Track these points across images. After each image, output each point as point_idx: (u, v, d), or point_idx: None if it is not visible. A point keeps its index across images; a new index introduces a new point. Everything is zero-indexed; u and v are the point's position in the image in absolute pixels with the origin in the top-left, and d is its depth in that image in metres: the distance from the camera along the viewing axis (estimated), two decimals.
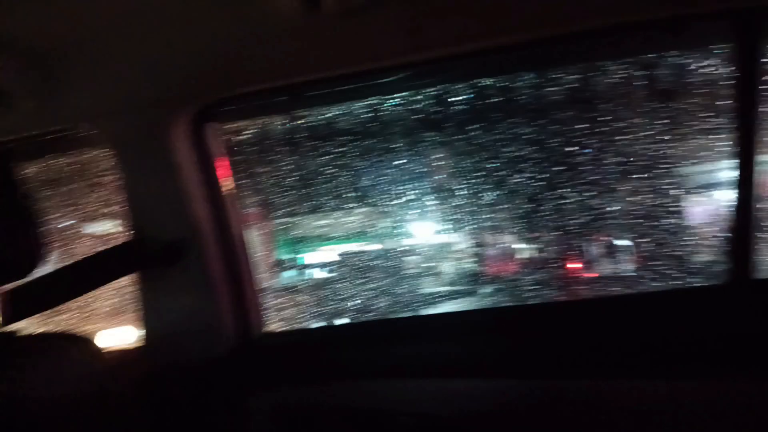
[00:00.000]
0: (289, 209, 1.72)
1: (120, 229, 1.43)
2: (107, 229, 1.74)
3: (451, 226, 1.69)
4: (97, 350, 0.96)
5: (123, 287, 1.60)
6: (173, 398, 1.26)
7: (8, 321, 0.89)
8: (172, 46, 1.11)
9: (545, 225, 1.63)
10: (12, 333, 0.86)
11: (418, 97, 1.56)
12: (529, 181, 1.58)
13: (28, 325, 1.05)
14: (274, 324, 1.49)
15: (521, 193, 1.59)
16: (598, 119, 1.53)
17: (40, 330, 1.01)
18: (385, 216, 1.71)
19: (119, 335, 1.64)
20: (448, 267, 1.76)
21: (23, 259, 0.84)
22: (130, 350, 1.39)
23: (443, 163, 1.64)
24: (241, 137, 1.59)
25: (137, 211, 1.33)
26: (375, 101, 1.58)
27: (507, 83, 1.55)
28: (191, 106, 1.28)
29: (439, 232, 1.74)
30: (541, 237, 1.68)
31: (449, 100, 1.57)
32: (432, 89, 1.55)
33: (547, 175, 1.56)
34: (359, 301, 1.73)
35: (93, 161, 1.67)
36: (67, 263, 1.17)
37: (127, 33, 1.07)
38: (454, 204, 1.64)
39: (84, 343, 0.94)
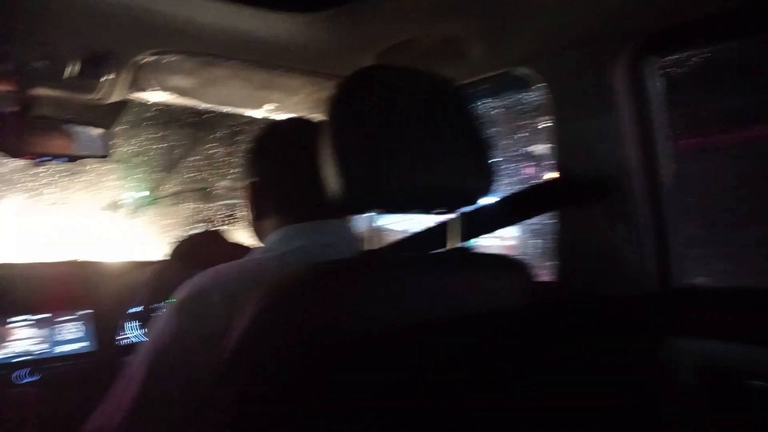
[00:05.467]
0: (735, 156, 1.50)
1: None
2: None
3: None
4: (529, 276, 1.03)
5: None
6: (589, 331, 1.29)
7: (462, 239, 1.04)
8: None
9: None
10: (466, 248, 1.02)
11: None
12: None
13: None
14: (696, 276, 1.37)
15: None
16: None
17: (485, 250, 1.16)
18: None
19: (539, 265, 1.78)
20: None
21: (477, 187, 0.96)
22: (549, 281, 1.49)
23: None
24: (682, 70, 1.46)
25: (566, 150, 1.39)
26: None
27: None
28: (630, 41, 1.24)
29: None
30: None
31: None
32: None
33: None
34: None
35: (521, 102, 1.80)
36: (504, 195, 1.33)
37: None
38: None
39: (520, 266, 1.03)
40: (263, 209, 1.07)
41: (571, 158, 1.38)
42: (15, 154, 1.46)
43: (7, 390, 1.48)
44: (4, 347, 1.58)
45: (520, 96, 1.60)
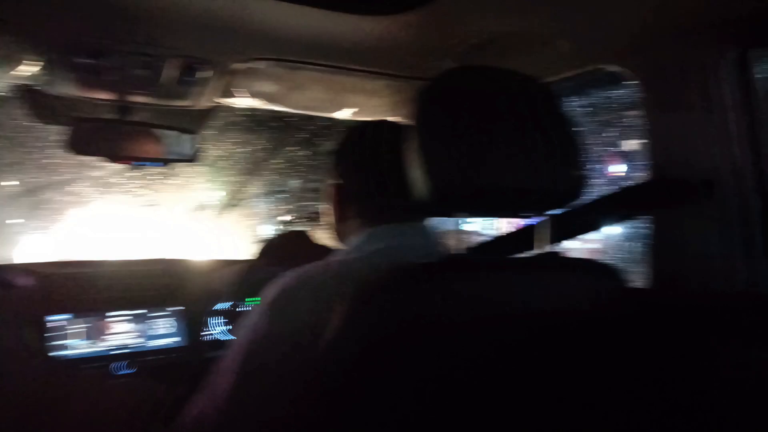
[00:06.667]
0: None
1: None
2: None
3: None
4: (622, 281, 0.98)
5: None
6: (685, 337, 1.22)
7: (551, 242, 1.01)
8: None
9: None
10: (555, 252, 0.98)
11: None
12: None
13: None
14: None
15: None
16: None
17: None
18: None
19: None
20: None
21: (567, 189, 0.92)
22: (641, 287, 1.41)
23: None
24: None
25: (662, 149, 1.31)
26: None
27: None
28: (733, 32, 1.15)
29: None
30: None
31: None
32: None
33: None
34: None
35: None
36: (595, 198, 1.27)
37: None
38: None
39: (611, 271, 0.98)
40: (345, 211, 1.08)
41: (666, 158, 1.30)
42: (113, 158, 1.56)
43: (106, 381, 1.57)
44: (103, 340, 1.68)
45: (609, 93, 1.52)
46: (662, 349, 1.10)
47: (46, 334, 1.60)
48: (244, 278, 1.72)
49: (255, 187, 3.20)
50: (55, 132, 1.75)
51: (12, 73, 1.31)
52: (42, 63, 1.28)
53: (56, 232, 2.75)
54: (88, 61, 1.27)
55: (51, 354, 1.57)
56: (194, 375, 1.09)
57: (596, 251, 2.07)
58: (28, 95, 1.52)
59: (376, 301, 0.74)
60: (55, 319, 1.63)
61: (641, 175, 1.36)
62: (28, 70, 1.30)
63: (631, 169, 1.58)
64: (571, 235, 1.26)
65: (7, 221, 2.76)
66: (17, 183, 2.74)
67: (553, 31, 1.27)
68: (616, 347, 0.92)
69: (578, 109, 1.75)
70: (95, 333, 1.68)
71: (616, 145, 1.79)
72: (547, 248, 0.99)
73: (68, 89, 1.43)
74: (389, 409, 0.70)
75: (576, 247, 1.92)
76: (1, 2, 1.08)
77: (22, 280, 1.67)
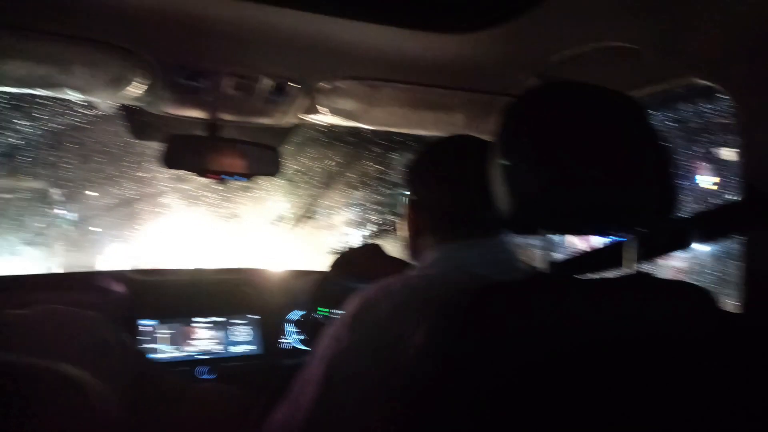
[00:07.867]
0: None
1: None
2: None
3: None
4: (714, 304, 0.94)
5: None
6: None
7: (639, 261, 0.97)
8: None
9: None
10: (644, 272, 0.94)
11: None
12: None
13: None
14: None
15: None
16: None
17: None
18: None
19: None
20: None
21: (658, 207, 0.89)
22: (734, 311, 1.34)
23: None
24: None
25: (756, 167, 1.24)
26: None
27: None
28: None
29: None
30: None
31: None
32: None
33: None
34: None
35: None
36: (686, 215, 1.21)
37: None
38: None
39: (703, 294, 0.94)
40: (421, 226, 1.08)
41: (761, 175, 1.23)
42: (202, 173, 1.64)
43: (190, 384, 1.64)
44: (187, 345, 1.77)
45: (699, 107, 1.46)
46: (757, 376, 1.03)
47: (138, 337, 1.70)
48: (318, 289, 1.75)
49: (330, 200, 3.28)
50: (151, 148, 1.87)
51: (120, 93, 1.41)
52: (148, 84, 1.38)
53: (146, 241, 2.92)
54: (188, 82, 1.36)
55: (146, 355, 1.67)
56: (272, 381, 1.13)
57: (684, 271, 1.97)
58: (129, 114, 1.64)
59: (460, 320, 0.73)
60: (145, 324, 1.73)
61: (734, 193, 1.29)
62: (135, 91, 1.41)
63: (722, 185, 1.50)
64: (659, 253, 1.21)
65: (100, 229, 2.96)
66: (97, 194, 2.92)
67: (640, 45, 1.24)
68: (709, 372, 0.88)
69: (668, 123, 1.69)
70: (180, 338, 1.77)
71: (706, 160, 1.70)
72: (635, 267, 0.95)
73: (167, 108, 1.53)
74: (472, 428, 0.69)
75: (664, 265, 1.83)
76: (115, 28, 1.18)
77: (115, 286, 1.79)
